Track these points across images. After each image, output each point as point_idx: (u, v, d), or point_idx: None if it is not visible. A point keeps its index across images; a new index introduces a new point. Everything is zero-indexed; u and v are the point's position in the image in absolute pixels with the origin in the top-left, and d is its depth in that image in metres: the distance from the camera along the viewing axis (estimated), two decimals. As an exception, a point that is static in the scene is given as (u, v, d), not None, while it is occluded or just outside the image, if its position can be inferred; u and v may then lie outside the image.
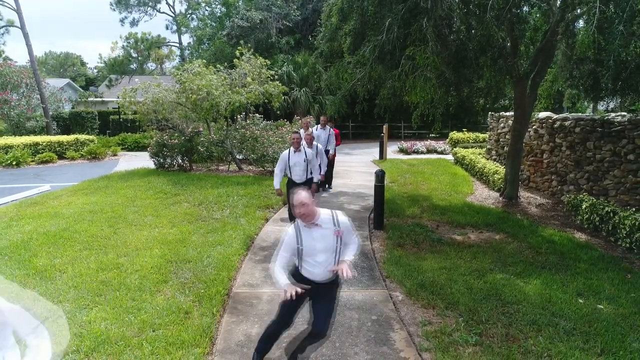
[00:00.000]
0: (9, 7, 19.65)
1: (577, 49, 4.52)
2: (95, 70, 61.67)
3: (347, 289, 4.58)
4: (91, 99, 32.41)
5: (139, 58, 29.93)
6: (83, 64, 62.47)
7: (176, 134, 10.90)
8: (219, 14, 20.87)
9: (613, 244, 6.42)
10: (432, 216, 7.70)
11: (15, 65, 21.26)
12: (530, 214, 8.24)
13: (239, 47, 11.02)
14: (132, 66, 31.63)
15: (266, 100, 10.52)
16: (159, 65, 56.15)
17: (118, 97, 12.13)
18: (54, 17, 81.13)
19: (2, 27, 20.89)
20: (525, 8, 6.71)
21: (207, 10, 22.86)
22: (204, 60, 10.96)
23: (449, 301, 4.32)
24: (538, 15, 5.91)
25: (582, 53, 4.67)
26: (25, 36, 19.90)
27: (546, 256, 5.82)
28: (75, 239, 5.49)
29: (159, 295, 4.11)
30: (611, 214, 6.64)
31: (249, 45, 11.55)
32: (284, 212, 7.56)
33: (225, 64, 11.22)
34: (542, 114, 10.15)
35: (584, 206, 7.32)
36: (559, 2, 5.84)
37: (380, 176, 6.57)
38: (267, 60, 11.44)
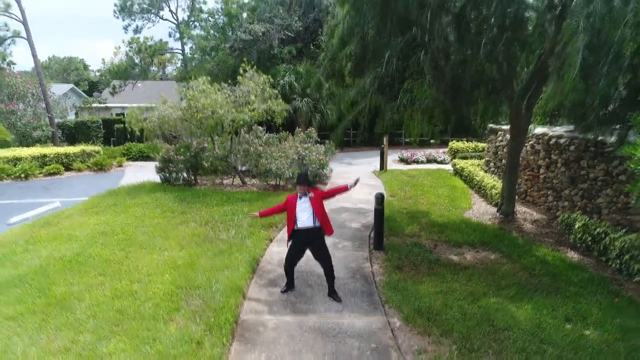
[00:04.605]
0: (15, 19, 20.04)
1: (559, 94, 4.80)
2: (97, 74, 62.30)
3: (348, 316, 4.86)
4: (95, 104, 32.78)
5: (142, 64, 30.24)
6: (86, 67, 62.90)
7: (182, 150, 11.20)
8: (221, 24, 21.17)
9: (604, 264, 6.68)
10: (430, 235, 7.96)
11: (20, 72, 21.58)
12: (526, 231, 8.49)
13: (242, 64, 11.31)
14: (135, 70, 31.90)
15: (269, 118, 10.82)
16: (162, 70, 56.58)
17: (124, 108, 12.44)
18: (55, 17, 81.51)
19: (9, 37, 21.21)
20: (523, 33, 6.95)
21: (210, 20, 23.19)
22: (208, 77, 11.24)
23: (444, 328, 4.58)
24: (531, 46, 6.16)
25: (566, 97, 4.94)
26: (32, 47, 20.26)
27: (539, 278, 6.07)
28: (90, 264, 5.78)
29: (172, 324, 4.39)
30: (602, 235, 6.89)
31: (252, 62, 11.80)
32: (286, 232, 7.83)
33: (230, 81, 11.51)
34: (539, 130, 10.39)
35: (576, 225, 7.58)
36: (552, 31, 6.08)
37: (379, 199, 6.84)
38: (269, 69, 11.74)
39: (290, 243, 5.24)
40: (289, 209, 5.15)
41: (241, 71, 11.33)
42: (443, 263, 6.54)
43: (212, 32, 21.93)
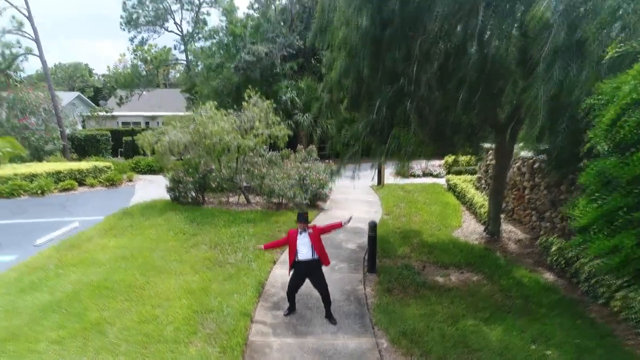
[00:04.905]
0: (28, 38, 20.90)
1: (528, 139, 5.56)
2: (101, 77, 63.58)
3: (342, 337, 5.61)
4: (102, 113, 33.65)
5: (148, 76, 31.13)
6: (91, 73, 64.01)
7: (190, 171, 11.98)
8: (225, 42, 22.04)
9: (575, 286, 7.40)
10: (420, 255, 8.69)
11: (27, 77, 22.44)
12: (509, 251, 9.22)
13: (247, 90, 12.11)
14: (140, 81, 32.76)
15: (272, 142, 11.63)
16: (166, 75, 57.64)
17: (130, 117, 13.16)
18: (55, 17, 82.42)
19: (22, 54, 22.11)
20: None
21: (215, 38, 24.09)
22: (215, 103, 12.04)
23: (424, 349, 5.32)
24: (506, 94, 6.90)
25: (533, 146, 5.70)
26: (44, 64, 21.15)
27: (513, 300, 6.80)
28: (116, 290, 6.55)
29: (191, 346, 5.16)
30: (574, 259, 7.62)
31: (256, 80, 12.58)
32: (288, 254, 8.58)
33: (235, 106, 12.28)
34: (524, 153, 11.11)
35: (553, 248, 8.30)
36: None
37: (372, 227, 7.59)
38: (272, 86, 12.45)
39: (291, 273, 6.00)
40: (291, 243, 5.92)
41: (246, 97, 12.13)
42: (429, 285, 7.27)
43: (215, 48, 22.78)
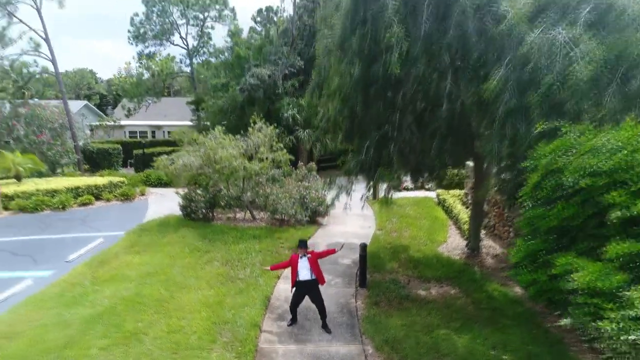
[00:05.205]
0: (44, 58, 22.20)
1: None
2: (104, 83, 65.18)
3: (336, 344, 6.80)
4: (109, 123, 34.91)
5: (155, 88, 32.44)
6: (97, 81, 65.53)
7: (200, 190, 13.24)
8: (230, 61, 23.33)
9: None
10: (407, 270, 9.88)
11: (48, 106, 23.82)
12: (486, 266, 10.39)
13: (252, 116, 13.38)
14: (148, 94, 34.04)
15: (276, 167, 12.94)
16: (171, 83, 59.00)
17: (137, 126, 14.24)
18: (60, 16, 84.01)
19: (39, 73, 23.41)
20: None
21: (221, 57, 25.38)
22: (224, 127, 13.30)
23: (402, 355, 6.50)
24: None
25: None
26: (60, 83, 22.42)
27: (482, 311, 7.97)
28: (146, 304, 7.76)
29: (213, 353, 6.36)
30: (538, 275, 8.80)
31: (260, 115, 13.85)
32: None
33: (242, 132, 13.52)
34: (504, 175, 12.29)
35: (522, 265, 9.49)
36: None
37: (363, 247, 8.79)
38: (274, 103, 13.57)
39: (293, 290, 7.21)
40: (293, 266, 7.14)
41: (251, 122, 13.38)
42: (412, 298, 8.45)
43: (219, 66, 24.06)
